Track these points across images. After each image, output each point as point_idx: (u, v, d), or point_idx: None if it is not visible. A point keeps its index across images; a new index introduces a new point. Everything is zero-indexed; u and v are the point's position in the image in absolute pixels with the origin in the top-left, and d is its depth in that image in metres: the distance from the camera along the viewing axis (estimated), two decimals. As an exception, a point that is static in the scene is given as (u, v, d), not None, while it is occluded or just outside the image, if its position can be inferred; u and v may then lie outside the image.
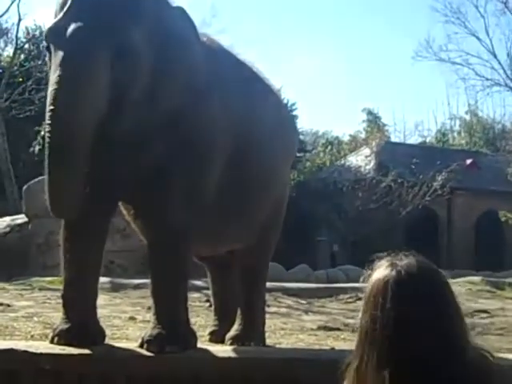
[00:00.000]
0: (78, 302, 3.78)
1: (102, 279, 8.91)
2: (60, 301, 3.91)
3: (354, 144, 27.02)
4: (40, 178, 12.23)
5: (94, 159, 3.47)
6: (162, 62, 3.57)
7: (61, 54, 3.40)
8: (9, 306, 6.98)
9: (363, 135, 29.81)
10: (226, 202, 4.03)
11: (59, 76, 3.34)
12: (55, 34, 3.48)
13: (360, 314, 1.50)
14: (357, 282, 10.44)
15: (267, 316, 4.98)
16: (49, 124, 3.38)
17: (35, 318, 5.96)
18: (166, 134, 3.71)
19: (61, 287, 8.03)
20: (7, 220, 12.49)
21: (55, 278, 9.25)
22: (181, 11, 3.81)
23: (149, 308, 7.01)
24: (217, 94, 3.92)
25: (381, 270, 1.49)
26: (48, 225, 10.10)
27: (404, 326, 1.42)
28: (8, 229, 12.13)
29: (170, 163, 3.73)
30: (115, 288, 8.82)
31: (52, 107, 3.34)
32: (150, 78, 3.55)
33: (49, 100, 3.40)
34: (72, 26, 3.41)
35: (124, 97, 3.49)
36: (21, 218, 12.29)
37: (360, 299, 1.55)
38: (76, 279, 3.81)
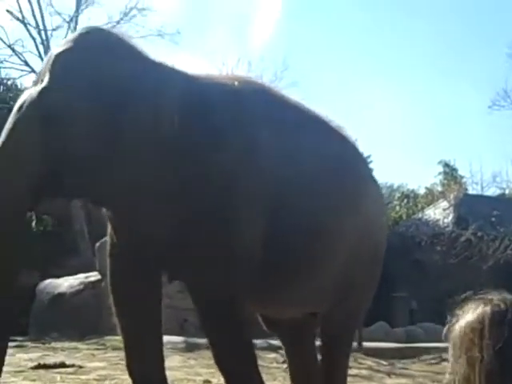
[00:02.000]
0: (143, 370, 3.65)
1: (176, 339, 8.85)
2: None
3: (431, 197, 26.46)
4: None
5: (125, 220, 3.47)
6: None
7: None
8: (81, 367, 6.87)
9: (439, 188, 29.23)
10: (278, 260, 3.70)
11: None
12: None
13: (449, 367, 1.37)
14: (437, 340, 10.08)
15: (348, 379, 4.59)
16: None
17: (107, 382, 5.83)
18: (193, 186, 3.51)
19: None
20: (81, 277, 12.53)
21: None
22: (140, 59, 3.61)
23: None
24: (238, 138, 3.67)
25: (470, 313, 1.37)
26: None
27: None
28: (81, 286, 12.15)
29: (195, 219, 3.51)
30: (189, 348, 8.63)
31: None
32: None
33: None
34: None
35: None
36: (94, 276, 12.30)
37: (445, 360, 1.37)
38: (135, 346, 3.68)
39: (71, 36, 3.76)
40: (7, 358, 7.80)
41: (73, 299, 11.29)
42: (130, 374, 3.69)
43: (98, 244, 12.37)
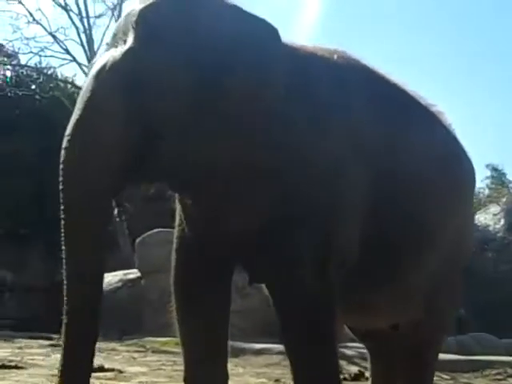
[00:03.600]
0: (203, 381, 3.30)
1: None
2: (176, 367, 3.37)
3: (477, 202, 25.94)
4: (155, 230, 11.96)
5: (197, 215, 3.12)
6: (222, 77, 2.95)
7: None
8: (120, 372, 6.51)
9: (487, 192, 28.68)
10: (371, 262, 3.31)
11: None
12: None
13: None
14: (494, 352, 9.54)
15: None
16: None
17: (150, 390, 5.42)
18: (276, 176, 3.09)
19: (175, 350, 7.42)
20: (119, 274, 12.16)
21: (169, 338, 8.82)
22: (238, 11, 3.13)
23: (276, 380, 6.46)
24: (341, 116, 3.28)
25: None
26: (162, 281, 9.65)
27: None
28: (120, 284, 11.82)
29: (289, 211, 3.11)
30: (235, 353, 8.15)
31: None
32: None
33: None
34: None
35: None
36: (133, 273, 11.95)
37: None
38: (198, 361, 3.31)
39: None
40: (42, 358, 7.46)
41: (111, 297, 10.88)
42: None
43: (138, 240, 12.07)
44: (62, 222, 2.85)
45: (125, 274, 12.14)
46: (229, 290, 3.40)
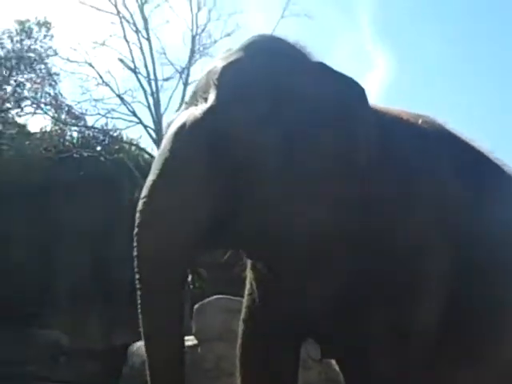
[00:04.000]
0: None
1: None
2: None
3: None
4: (214, 297, 11.77)
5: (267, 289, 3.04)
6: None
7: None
8: None
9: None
10: (450, 340, 3.07)
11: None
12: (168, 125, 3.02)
13: None
14: None
15: None
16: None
17: None
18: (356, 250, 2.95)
19: None
20: (176, 341, 11.94)
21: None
22: (325, 70, 3.01)
23: None
24: (426, 186, 3.17)
25: None
26: (219, 349, 9.60)
27: None
28: (176, 351, 11.58)
29: (367, 290, 2.97)
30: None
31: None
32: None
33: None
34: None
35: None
36: (190, 340, 11.70)
37: None
38: None
39: (237, 46, 3.09)
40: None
41: (167, 364, 10.70)
42: None
43: (196, 306, 11.87)
44: (138, 287, 2.77)
45: (181, 341, 11.93)
46: (297, 363, 3.25)
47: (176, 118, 2.97)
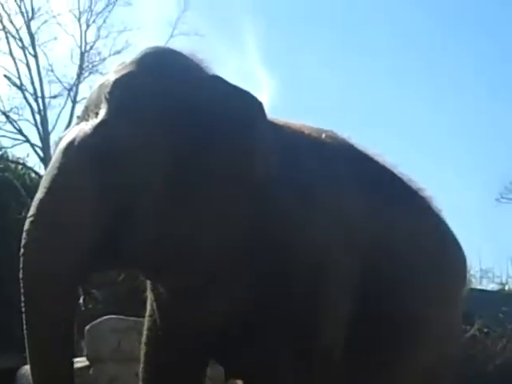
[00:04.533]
0: None
1: None
2: None
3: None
4: (105, 317, 11.62)
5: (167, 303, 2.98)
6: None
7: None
8: None
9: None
10: (357, 357, 3.13)
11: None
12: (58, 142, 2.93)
13: None
14: None
15: None
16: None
17: None
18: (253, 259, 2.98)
19: None
20: (66, 363, 11.70)
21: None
22: (219, 82, 3.04)
23: None
24: (324, 197, 3.22)
25: None
26: (111, 370, 9.48)
27: None
28: (67, 373, 11.34)
29: (268, 301, 3.00)
30: None
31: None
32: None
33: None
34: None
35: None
36: (81, 362, 11.48)
37: None
38: None
39: (130, 59, 3.09)
40: None
41: (57, 387, 10.48)
42: None
43: (87, 327, 11.65)
44: (24, 310, 2.73)
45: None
46: (202, 382, 3.32)
47: (66, 133, 2.94)
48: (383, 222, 3.42)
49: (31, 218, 2.78)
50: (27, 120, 19.26)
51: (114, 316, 10.76)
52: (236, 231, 2.90)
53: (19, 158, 20.76)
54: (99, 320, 11.75)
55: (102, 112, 2.84)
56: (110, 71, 3.11)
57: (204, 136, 2.85)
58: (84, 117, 2.94)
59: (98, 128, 2.81)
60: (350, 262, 3.19)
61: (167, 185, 2.82)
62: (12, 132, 19.46)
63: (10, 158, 20.53)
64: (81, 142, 2.81)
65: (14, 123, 19.26)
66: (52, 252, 2.72)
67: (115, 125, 2.81)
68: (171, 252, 2.86)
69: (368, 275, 3.26)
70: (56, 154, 2.87)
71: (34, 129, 19.12)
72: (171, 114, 2.85)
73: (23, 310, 2.70)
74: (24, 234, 2.78)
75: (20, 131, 19.29)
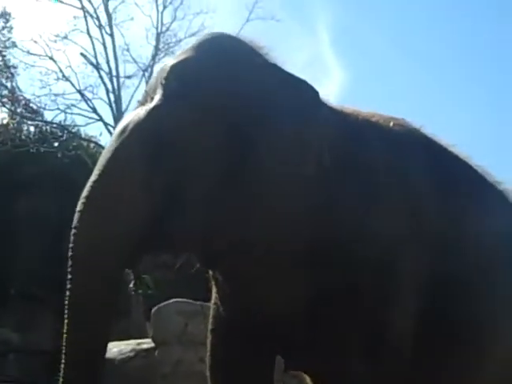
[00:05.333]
0: None
1: None
2: None
3: None
4: (172, 300, 11.67)
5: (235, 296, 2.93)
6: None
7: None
8: None
9: None
10: (425, 351, 3.03)
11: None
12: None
13: None
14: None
15: None
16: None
17: None
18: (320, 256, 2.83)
19: None
20: (132, 343, 11.77)
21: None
22: (278, 71, 2.95)
23: None
24: (394, 187, 3.06)
25: None
26: (177, 353, 9.51)
27: None
28: (133, 353, 11.41)
29: (335, 295, 2.86)
30: None
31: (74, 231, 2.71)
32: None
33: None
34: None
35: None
36: (147, 343, 11.57)
37: None
38: None
39: (190, 44, 3.04)
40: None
41: (123, 366, 10.52)
42: None
43: (153, 309, 11.72)
44: (69, 287, 2.67)
45: (138, 344, 11.76)
46: (271, 371, 3.18)
47: (123, 117, 2.94)
48: (455, 216, 3.23)
49: (84, 200, 2.75)
50: (101, 99, 19.46)
51: (180, 299, 10.83)
52: (291, 218, 2.78)
53: (92, 136, 21.01)
54: (166, 303, 11.81)
55: (157, 97, 2.80)
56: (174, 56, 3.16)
57: (259, 122, 2.76)
58: (143, 101, 2.89)
59: (151, 113, 2.76)
60: (417, 257, 3.01)
61: (220, 170, 2.73)
62: (86, 110, 19.67)
63: (83, 136, 20.74)
64: (134, 127, 2.77)
65: (89, 101, 19.47)
66: (101, 235, 2.67)
67: (168, 110, 2.76)
68: (221, 238, 2.77)
69: (436, 271, 3.08)
70: (112, 137, 2.87)
71: (108, 108, 19.33)
72: (226, 99, 2.78)
73: (68, 286, 2.66)
74: (76, 214, 2.73)
75: (94, 110, 19.48)
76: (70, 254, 2.71)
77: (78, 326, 2.66)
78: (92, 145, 20.75)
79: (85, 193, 2.77)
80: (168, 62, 2.96)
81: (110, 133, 19.10)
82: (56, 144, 20.04)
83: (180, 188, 2.72)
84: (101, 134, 20.88)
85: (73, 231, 2.73)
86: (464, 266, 3.19)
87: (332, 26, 34.07)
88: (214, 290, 3.26)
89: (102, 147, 20.12)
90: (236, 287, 3.02)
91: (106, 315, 2.75)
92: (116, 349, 12.31)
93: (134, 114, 2.84)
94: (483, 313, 3.25)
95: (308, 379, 3.33)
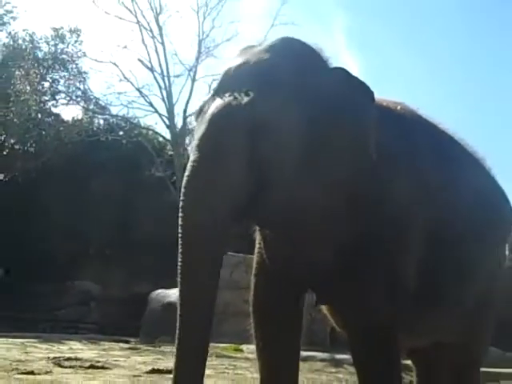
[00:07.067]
0: None
1: (322, 355, 7.98)
2: (237, 371, 3.22)
3: None
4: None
5: (275, 243, 2.95)
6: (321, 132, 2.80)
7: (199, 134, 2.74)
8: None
9: None
10: (425, 285, 3.16)
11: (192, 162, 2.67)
12: (199, 112, 2.87)
13: None
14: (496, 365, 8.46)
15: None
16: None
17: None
18: (351, 213, 2.94)
19: (234, 355, 7.12)
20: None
21: (227, 345, 8.81)
22: (343, 73, 3.00)
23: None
24: (406, 163, 3.17)
25: None
26: (225, 297, 9.72)
27: None
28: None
29: (363, 245, 2.97)
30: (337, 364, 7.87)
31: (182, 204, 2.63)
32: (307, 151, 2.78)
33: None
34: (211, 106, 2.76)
35: (270, 179, 2.73)
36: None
37: None
38: (274, 371, 3.17)
39: (264, 45, 3.01)
40: (124, 360, 7.36)
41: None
42: None
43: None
44: (181, 252, 2.61)
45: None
46: (301, 308, 3.25)
47: (208, 107, 2.84)
48: (453, 186, 3.38)
49: (189, 177, 2.68)
50: (155, 95, 19.56)
51: (227, 253, 10.98)
52: (344, 191, 2.87)
53: (149, 125, 21.38)
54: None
55: (252, 91, 2.75)
56: (238, 54, 3.03)
57: (331, 117, 2.82)
58: (222, 93, 2.81)
59: (248, 103, 2.71)
60: (424, 217, 3.14)
61: (299, 156, 2.78)
62: (144, 105, 19.86)
63: (143, 125, 21.16)
64: (233, 115, 2.71)
65: (146, 97, 19.64)
66: (208, 206, 2.62)
67: (263, 102, 2.73)
68: (292, 211, 2.81)
69: (438, 228, 3.21)
70: (208, 123, 2.75)
71: (161, 102, 19.51)
72: (304, 98, 2.81)
73: (181, 251, 2.60)
74: (183, 189, 2.67)
75: (150, 104, 19.63)
76: (180, 222, 2.63)
77: (191, 286, 2.58)
78: (150, 132, 21.18)
79: (189, 171, 2.68)
80: (251, 58, 2.91)
81: (164, 122, 19.41)
82: (121, 133, 20.48)
83: (268, 171, 2.70)
84: (156, 123, 21.10)
85: (181, 204, 2.65)
86: (456, 222, 3.34)
87: (347, 29, 33.16)
88: (257, 240, 3.25)
89: (158, 134, 20.53)
90: (283, 240, 3.03)
91: (214, 275, 2.65)
92: (176, 294, 12.50)
93: (225, 104, 2.76)
94: (470, 256, 3.47)
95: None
